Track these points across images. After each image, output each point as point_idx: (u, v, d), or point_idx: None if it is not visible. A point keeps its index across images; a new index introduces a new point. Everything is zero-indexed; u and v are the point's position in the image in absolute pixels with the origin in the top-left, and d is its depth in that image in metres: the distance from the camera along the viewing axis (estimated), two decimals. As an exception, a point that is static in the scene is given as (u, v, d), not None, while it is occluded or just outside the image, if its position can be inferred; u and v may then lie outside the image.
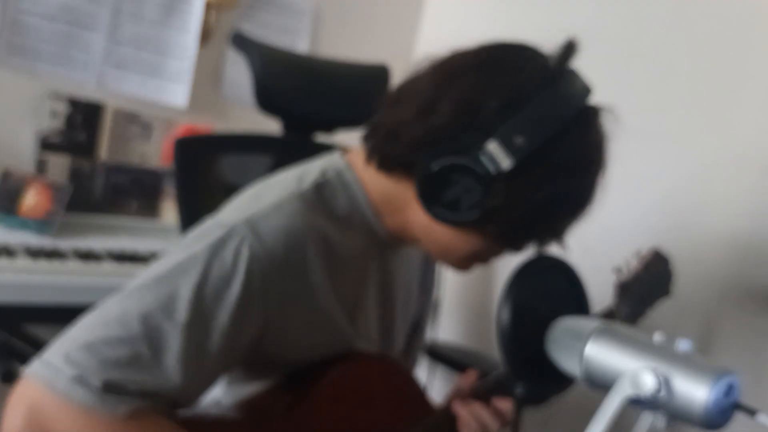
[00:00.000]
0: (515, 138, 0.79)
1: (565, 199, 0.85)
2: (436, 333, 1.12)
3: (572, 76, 0.83)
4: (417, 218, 0.89)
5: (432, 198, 0.83)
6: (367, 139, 0.91)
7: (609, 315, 1.08)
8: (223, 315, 0.81)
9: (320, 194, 0.90)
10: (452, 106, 0.81)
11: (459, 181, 0.81)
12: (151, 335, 0.77)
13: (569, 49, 0.83)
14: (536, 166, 0.80)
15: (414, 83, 0.87)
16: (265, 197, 0.88)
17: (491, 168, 0.79)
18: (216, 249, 0.81)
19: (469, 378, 1.06)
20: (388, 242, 0.96)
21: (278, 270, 0.84)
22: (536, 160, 0.79)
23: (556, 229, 0.88)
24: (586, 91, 0.84)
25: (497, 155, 0.79)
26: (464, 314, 1.08)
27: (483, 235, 0.87)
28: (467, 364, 1.19)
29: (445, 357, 1.51)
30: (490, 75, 0.83)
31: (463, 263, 0.95)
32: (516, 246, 0.91)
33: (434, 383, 1.10)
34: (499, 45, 0.86)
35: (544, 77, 0.82)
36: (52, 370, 0.75)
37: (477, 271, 0.93)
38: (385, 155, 0.88)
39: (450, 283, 1.10)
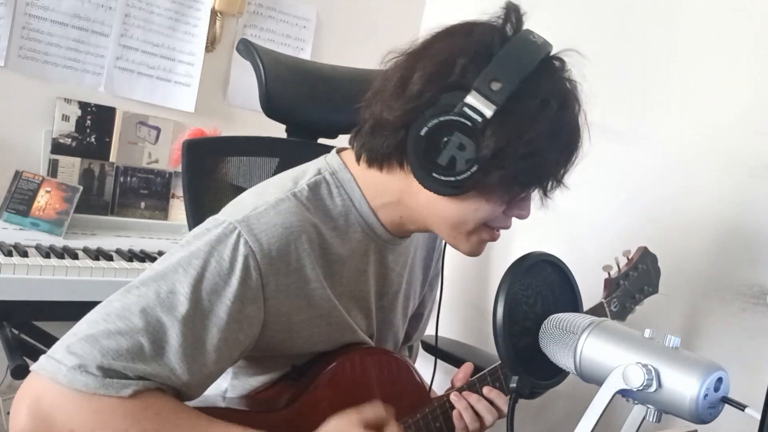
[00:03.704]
0: (492, 85, 0.82)
1: (552, 136, 0.85)
2: (434, 328, 1.14)
3: (530, 31, 0.87)
4: (419, 201, 0.91)
5: (428, 165, 0.84)
6: (353, 139, 0.94)
7: (599, 311, 1.11)
8: (221, 310, 0.83)
9: (315, 193, 0.93)
10: (424, 73, 0.85)
11: (450, 140, 0.83)
12: (151, 328, 0.80)
13: (516, 11, 0.88)
14: (517, 108, 0.82)
15: (385, 76, 0.90)
16: (263, 196, 0.91)
17: (477, 118, 0.82)
18: (214, 246, 0.84)
19: (465, 371, 1.09)
20: (386, 237, 0.98)
21: (275, 266, 0.86)
22: (516, 102, 0.82)
23: (553, 171, 0.88)
24: (547, 43, 0.88)
25: (479, 105, 0.82)
26: (461, 310, 1.10)
27: (485, 196, 0.87)
28: (464, 359, 1.22)
29: (442, 352, 1.53)
30: (455, 39, 0.87)
31: (473, 241, 0.94)
32: (517, 194, 0.90)
33: (431, 377, 1.12)
34: (456, 22, 0.90)
35: (504, 32, 0.86)
36: (54, 362, 0.78)
37: (473, 267, 0.96)
38: (374, 148, 0.90)
39: (448, 278, 1.12)
